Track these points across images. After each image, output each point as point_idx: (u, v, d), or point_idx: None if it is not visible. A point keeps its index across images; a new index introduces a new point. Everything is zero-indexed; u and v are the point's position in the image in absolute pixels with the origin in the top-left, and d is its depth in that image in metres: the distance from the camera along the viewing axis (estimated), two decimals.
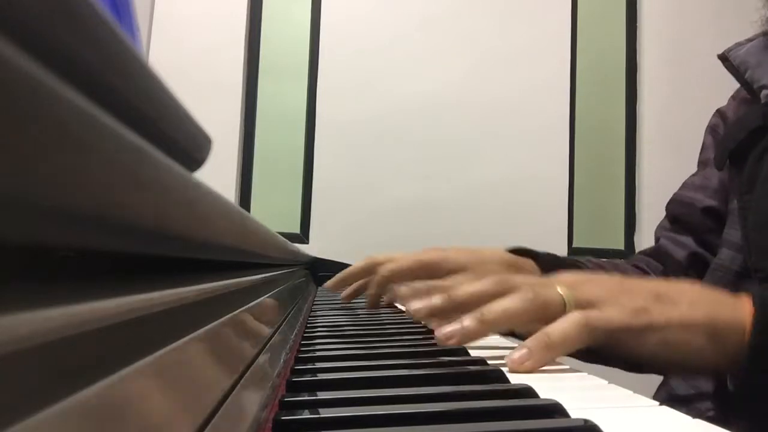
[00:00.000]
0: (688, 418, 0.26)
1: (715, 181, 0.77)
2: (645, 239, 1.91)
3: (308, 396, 0.28)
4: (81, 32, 0.09)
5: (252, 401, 0.21)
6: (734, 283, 0.65)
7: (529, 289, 0.41)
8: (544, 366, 0.37)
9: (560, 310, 0.41)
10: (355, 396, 0.26)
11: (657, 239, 0.82)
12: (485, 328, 0.41)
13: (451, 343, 0.40)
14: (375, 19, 1.90)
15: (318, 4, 1.89)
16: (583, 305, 0.41)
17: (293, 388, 0.29)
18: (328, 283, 0.76)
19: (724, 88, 0.74)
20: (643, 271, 0.78)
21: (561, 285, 0.42)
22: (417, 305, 0.44)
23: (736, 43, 0.71)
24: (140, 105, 0.12)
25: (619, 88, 2.01)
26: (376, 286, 0.68)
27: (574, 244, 1.94)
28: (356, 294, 0.75)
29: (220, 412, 0.16)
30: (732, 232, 0.69)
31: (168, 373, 0.14)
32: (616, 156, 2.00)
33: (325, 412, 0.24)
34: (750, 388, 0.41)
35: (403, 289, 0.50)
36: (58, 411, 0.09)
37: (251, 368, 0.23)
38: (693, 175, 0.81)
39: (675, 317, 0.40)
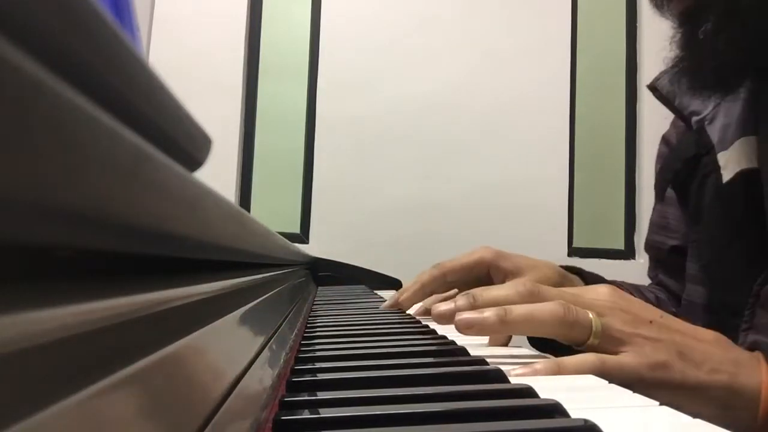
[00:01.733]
0: (688, 418, 0.26)
1: (672, 219, 0.75)
2: (645, 239, 1.91)
3: (308, 396, 0.28)
4: (81, 32, 0.09)
5: (252, 401, 0.21)
6: (703, 317, 0.63)
7: (563, 304, 0.40)
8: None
9: (586, 336, 0.40)
10: (355, 396, 0.26)
11: (653, 278, 0.81)
12: (504, 326, 0.40)
13: (470, 332, 0.39)
14: (375, 19, 1.90)
15: (318, 4, 1.89)
16: (607, 340, 0.40)
17: (293, 388, 0.29)
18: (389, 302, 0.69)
19: None
20: (656, 299, 0.76)
21: (593, 311, 0.41)
22: (443, 308, 0.43)
23: (661, 71, 0.68)
24: (140, 105, 0.12)
25: (619, 88, 2.01)
26: (430, 280, 0.65)
27: (574, 244, 1.94)
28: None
29: (219, 412, 0.16)
30: (690, 266, 0.67)
31: (168, 373, 0.14)
32: (616, 156, 2.00)
33: (325, 412, 0.24)
34: None
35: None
36: (58, 411, 0.09)
37: (251, 368, 0.23)
38: (653, 209, 0.80)
39: (692, 381, 0.38)
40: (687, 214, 0.67)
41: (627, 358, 0.39)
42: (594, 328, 0.40)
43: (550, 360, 0.38)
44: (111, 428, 0.11)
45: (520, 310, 0.40)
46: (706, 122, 0.64)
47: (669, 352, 0.39)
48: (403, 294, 0.68)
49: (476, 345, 0.46)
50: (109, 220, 0.10)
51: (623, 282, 0.77)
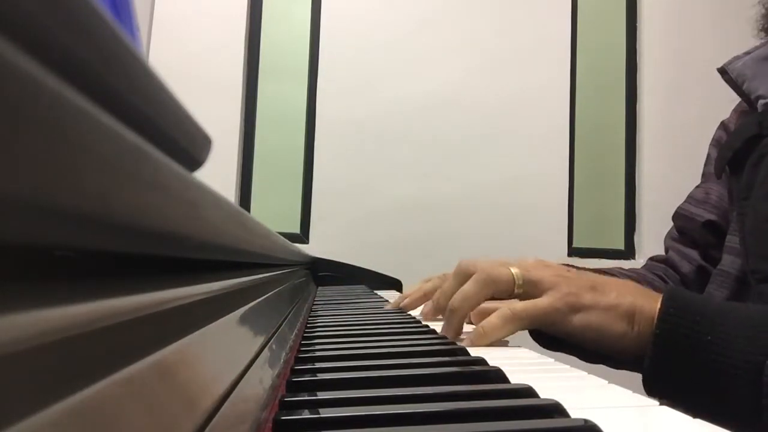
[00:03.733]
0: (688, 418, 0.26)
1: (715, 195, 0.79)
2: (645, 239, 1.92)
3: (308, 396, 0.28)
4: (81, 32, 0.09)
5: (252, 401, 0.21)
6: (733, 287, 0.67)
7: (483, 271, 0.49)
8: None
9: (510, 286, 0.48)
10: (354, 396, 0.26)
11: (666, 250, 0.84)
12: (457, 316, 0.49)
13: (463, 342, 0.46)
14: (375, 19, 1.90)
15: (318, 4, 1.89)
16: (530, 285, 0.48)
17: (293, 388, 0.29)
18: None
19: (724, 88, 0.75)
20: (662, 280, 0.80)
21: (514, 266, 0.49)
22: (424, 311, 0.58)
23: (734, 57, 0.73)
24: (140, 105, 0.12)
25: (619, 88, 2.01)
26: (433, 290, 0.69)
27: (574, 244, 1.94)
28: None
29: (220, 412, 0.16)
30: (732, 238, 0.71)
31: (168, 373, 0.14)
32: (616, 156, 2.00)
33: (325, 412, 0.24)
34: (656, 374, 0.44)
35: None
36: (58, 411, 0.09)
37: (251, 368, 0.23)
38: (697, 186, 0.83)
39: (602, 303, 0.46)
40: (737, 188, 0.70)
41: (543, 298, 0.47)
42: (516, 277, 0.48)
43: (474, 328, 0.47)
44: (111, 428, 0.11)
45: (456, 296, 0.49)
46: None
47: (581, 286, 0.47)
48: (433, 300, 0.71)
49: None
50: (109, 220, 0.10)
51: (620, 268, 0.80)
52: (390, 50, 1.89)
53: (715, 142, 0.82)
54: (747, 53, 0.72)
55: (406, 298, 0.71)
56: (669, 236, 0.84)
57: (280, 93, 1.88)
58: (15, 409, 0.08)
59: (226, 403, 0.17)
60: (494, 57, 1.92)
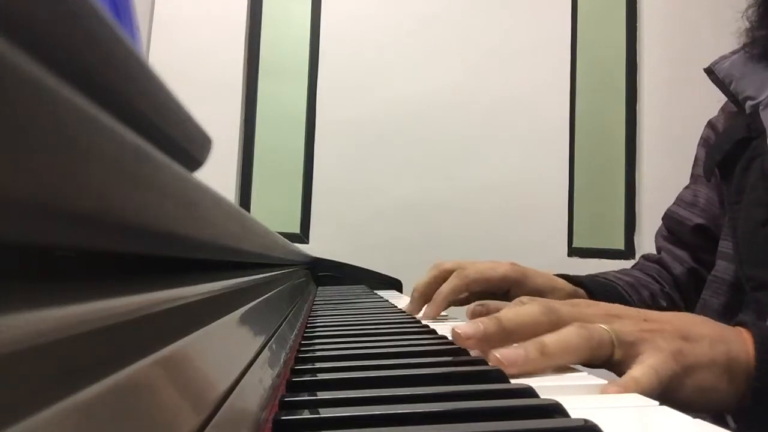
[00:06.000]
0: (688, 418, 0.26)
1: (703, 198, 0.78)
2: (645, 239, 1.91)
3: (308, 396, 0.28)
4: (81, 32, 0.09)
5: (252, 401, 0.21)
6: (729, 293, 0.66)
7: (582, 325, 0.39)
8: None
9: (611, 351, 0.39)
10: (355, 396, 0.26)
11: (658, 250, 0.83)
12: (546, 360, 0.38)
13: (513, 371, 0.36)
14: (375, 19, 1.90)
15: (318, 4, 1.89)
16: (625, 347, 0.39)
17: (293, 388, 0.29)
18: (408, 308, 0.69)
19: None
20: (656, 281, 0.80)
21: (599, 321, 0.40)
22: (467, 330, 0.41)
23: (720, 57, 0.72)
24: (140, 105, 0.12)
25: (619, 88, 2.01)
26: (452, 291, 0.65)
27: (574, 244, 1.94)
28: (425, 303, 0.69)
29: (219, 412, 0.16)
30: (725, 244, 0.70)
31: (168, 373, 0.14)
32: (616, 156, 2.00)
33: (325, 412, 0.24)
34: (754, 427, 0.39)
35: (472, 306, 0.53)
36: (58, 411, 0.09)
37: (251, 368, 0.23)
38: (686, 187, 0.82)
39: (704, 358, 0.39)
40: (727, 192, 0.69)
41: (652, 359, 0.38)
42: (614, 338, 0.39)
43: (623, 379, 0.37)
44: (111, 428, 0.11)
45: (554, 343, 0.38)
46: (760, 107, 0.66)
47: (675, 339, 0.39)
48: (427, 306, 0.67)
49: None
50: (109, 220, 0.10)
51: (608, 272, 0.80)
52: (390, 50, 1.89)
53: (704, 142, 0.81)
54: (734, 53, 0.70)
55: (421, 295, 0.67)
56: (660, 235, 0.84)
57: (280, 93, 1.88)
58: (15, 409, 0.08)
59: (226, 403, 0.17)
60: (494, 57, 1.92)
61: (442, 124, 1.89)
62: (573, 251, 1.92)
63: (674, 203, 0.82)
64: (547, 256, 1.83)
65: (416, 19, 1.91)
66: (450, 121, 1.89)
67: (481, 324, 0.40)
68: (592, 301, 0.45)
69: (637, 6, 2.02)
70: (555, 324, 0.40)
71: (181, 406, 0.15)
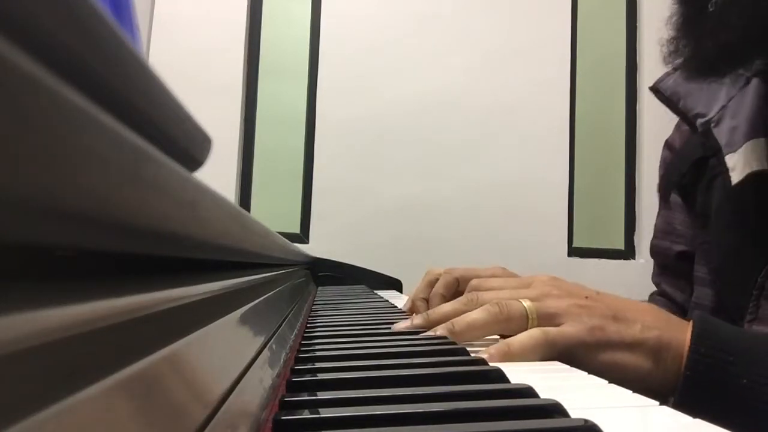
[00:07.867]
0: (688, 418, 0.26)
1: (678, 223, 0.75)
2: (645, 239, 1.91)
3: (308, 396, 0.28)
4: (81, 32, 0.09)
5: (252, 401, 0.21)
6: None
7: (496, 303, 0.45)
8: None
9: (523, 322, 0.44)
10: (355, 396, 0.26)
11: (657, 285, 0.81)
12: (454, 336, 0.45)
13: (481, 353, 0.42)
14: (375, 19, 1.90)
15: (318, 4, 1.89)
16: (545, 318, 0.44)
17: (293, 388, 0.29)
18: (416, 321, 0.71)
19: None
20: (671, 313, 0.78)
21: (526, 299, 0.46)
22: (401, 325, 0.50)
23: (665, 73, 0.68)
24: (140, 105, 0.12)
25: (619, 88, 2.01)
26: (445, 287, 0.65)
27: (574, 244, 1.94)
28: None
29: (220, 412, 0.16)
30: (699, 268, 0.67)
31: (168, 373, 0.14)
32: (616, 156, 2.00)
33: (325, 412, 0.24)
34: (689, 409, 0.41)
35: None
36: (58, 411, 0.09)
37: (251, 368, 0.23)
38: (658, 215, 0.79)
39: (628, 338, 0.42)
40: (693, 217, 0.67)
41: (567, 327, 0.43)
42: (529, 315, 0.45)
43: (499, 342, 0.42)
44: (111, 428, 0.11)
45: (461, 319, 0.46)
46: (712, 124, 0.64)
47: (604, 316, 0.43)
48: (430, 313, 0.67)
49: (476, 345, 0.46)
50: (109, 220, 0.10)
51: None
52: (390, 50, 1.89)
53: (663, 163, 0.78)
54: (676, 68, 0.64)
55: (421, 300, 0.67)
56: (654, 275, 0.81)
57: (280, 93, 1.88)
58: (15, 409, 0.08)
59: (226, 403, 0.17)
60: (494, 57, 1.92)
61: (442, 124, 1.89)
62: (573, 251, 1.92)
63: (653, 235, 0.79)
64: (547, 256, 1.83)
65: (416, 19, 1.91)
66: (450, 121, 1.89)
67: (413, 320, 0.50)
68: (553, 280, 0.50)
69: (637, 6, 2.02)
70: (474, 306, 0.47)
71: (182, 406, 0.15)
